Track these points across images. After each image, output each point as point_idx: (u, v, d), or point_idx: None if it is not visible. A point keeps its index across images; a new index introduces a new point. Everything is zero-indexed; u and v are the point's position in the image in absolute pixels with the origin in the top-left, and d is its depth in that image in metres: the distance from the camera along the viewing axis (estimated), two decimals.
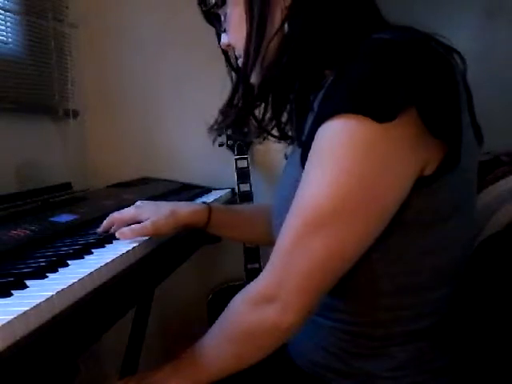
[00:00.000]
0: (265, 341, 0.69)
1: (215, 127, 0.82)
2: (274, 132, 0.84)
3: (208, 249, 1.33)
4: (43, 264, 0.69)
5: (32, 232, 0.87)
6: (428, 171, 0.64)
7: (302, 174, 0.66)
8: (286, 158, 0.86)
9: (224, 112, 0.80)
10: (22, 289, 0.60)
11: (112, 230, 0.89)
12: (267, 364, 0.72)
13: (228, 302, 0.73)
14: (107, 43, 1.80)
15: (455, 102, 0.63)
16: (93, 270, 0.67)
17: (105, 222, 0.91)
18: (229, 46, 0.81)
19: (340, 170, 0.62)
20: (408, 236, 0.67)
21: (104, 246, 0.81)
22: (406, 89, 0.60)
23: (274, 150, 1.67)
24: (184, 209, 0.92)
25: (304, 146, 0.69)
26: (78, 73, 1.75)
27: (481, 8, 1.85)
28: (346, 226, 0.62)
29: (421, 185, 0.64)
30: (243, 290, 0.71)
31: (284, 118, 0.83)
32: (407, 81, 0.60)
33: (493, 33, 1.86)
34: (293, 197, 0.66)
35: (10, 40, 1.47)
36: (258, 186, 1.73)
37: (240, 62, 0.78)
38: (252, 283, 0.70)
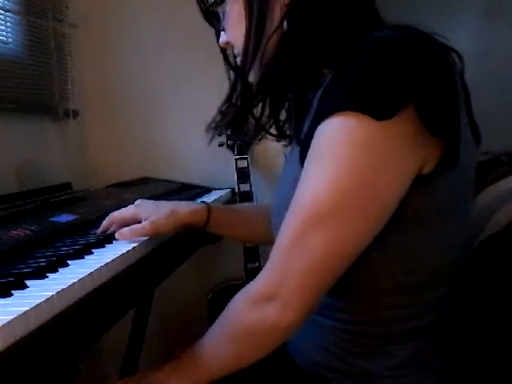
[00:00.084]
0: (265, 340, 0.69)
1: (213, 126, 0.82)
2: (272, 130, 0.84)
3: (208, 249, 1.33)
4: (43, 264, 0.69)
5: (32, 232, 0.87)
6: (426, 170, 0.64)
7: (301, 173, 0.66)
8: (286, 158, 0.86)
9: (222, 111, 0.80)
10: (22, 289, 0.60)
11: (111, 230, 0.89)
12: (267, 364, 0.72)
13: (228, 301, 0.73)
14: (107, 43, 1.80)
15: (453, 101, 0.64)
16: (93, 270, 0.67)
17: (104, 221, 0.91)
18: (227, 44, 0.81)
19: (339, 167, 0.62)
20: (407, 234, 0.67)
21: (104, 246, 0.81)
22: (404, 86, 0.60)
23: (274, 150, 1.67)
24: (184, 208, 0.92)
25: (303, 144, 0.69)
26: (78, 73, 1.75)
27: (481, 8, 1.85)
28: (346, 223, 0.62)
29: (419, 183, 0.64)
30: (243, 289, 0.71)
31: (282, 116, 0.83)
32: (405, 78, 0.60)
33: (493, 33, 1.86)
34: (292, 195, 0.66)
35: (10, 40, 1.47)
36: (258, 185, 1.73)
37: (238, 60, 0.78)
38: (252, 282, 0.70)
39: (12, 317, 0.50)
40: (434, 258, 0.69)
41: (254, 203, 1.65)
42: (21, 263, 0.72)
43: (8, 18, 1.46)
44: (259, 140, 0.85)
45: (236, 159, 1.69)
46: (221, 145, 1.70)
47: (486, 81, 1.73)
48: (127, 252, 0.77)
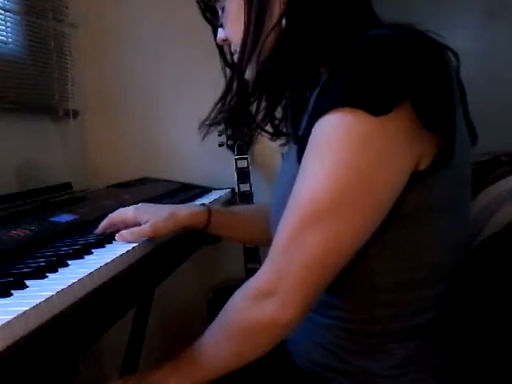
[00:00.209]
0: (264, 337, 0.68)
1: (207, 123, 0.81)
2: (268, 128, 0.84)
3: (208, 249, 1.33)
4: (43, 264, 0.69)
5: (32, 232, 0.87)
6: (423, 166, 0.65)
7: (299, 170, 0.66)
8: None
9: (217, 108, 0.80)
10: (22, 289, 0.60)
11: (111, 230, 0.89)
12: (267, 364, 0.72)
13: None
14: (107, 43, 1.80)
15: (449, 97, 0.64)
16: (93, 270, 0.67)
17: (103, 222, 0.91)
18: (225, 40, 0.81)
19: (337, 163, 0.62)
20: (404, 231, 0.68)
21: (104, 246, 0.81)
22: (400, 82, 0.60)
23: (273, 150, 1.67)
24: (183, 211, 0.92)
25: (300, 142, 0.69)
26: (78, 73, 1.75)
27: (481, 8, 1.85)
28: (344, 219, 0.63)
29: (415, 180, 0.65)
30: (242, 286, 0.71)
31: (278, 114, 0.82)
32: (402, 74, 0.61)
33: (493, 33, 1.86)
34: (290, 193, 0.67)
35: (10, 40, 1.47)
36: (258, 185, 1.73)
37: (235, 57, 0.78)
38: (251, 279, 0.70)
39: (12, 317, 0.50)
40: (431, 255, 0.69)
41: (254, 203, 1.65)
42: (21, 263, 0.72)
43: (8, 18, 1.46)
44: (255, 136, 0.85)
45: (236, 159, 1.69)
46: (221, 145, 1.70)
47: (485, 81, 1.73)
48: (127, 252, 0.77)
